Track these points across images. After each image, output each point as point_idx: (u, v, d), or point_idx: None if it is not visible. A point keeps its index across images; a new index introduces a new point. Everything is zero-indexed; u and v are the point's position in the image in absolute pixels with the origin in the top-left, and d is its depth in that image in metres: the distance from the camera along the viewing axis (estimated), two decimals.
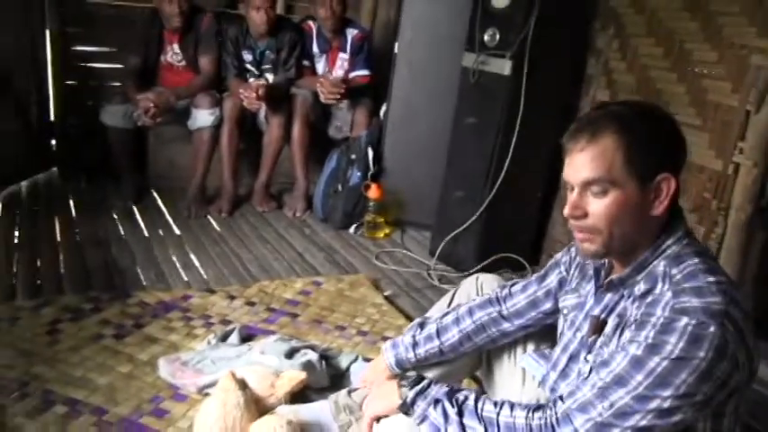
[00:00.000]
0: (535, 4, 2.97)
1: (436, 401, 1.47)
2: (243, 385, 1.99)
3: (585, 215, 1.37)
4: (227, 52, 4.07)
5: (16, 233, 3.53)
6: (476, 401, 1.44)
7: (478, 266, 3.26)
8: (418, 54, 3.72)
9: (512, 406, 1.40)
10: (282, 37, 4.04)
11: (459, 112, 3.36)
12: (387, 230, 3.84)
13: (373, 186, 3.77)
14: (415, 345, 1.84)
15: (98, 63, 4.55)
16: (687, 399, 1.23)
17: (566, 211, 1.40)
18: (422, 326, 1.87)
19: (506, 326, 1.79)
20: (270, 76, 4.14)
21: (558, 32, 3.14)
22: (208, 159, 4.00)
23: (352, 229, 3.84)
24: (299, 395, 2.15)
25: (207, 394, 2.14)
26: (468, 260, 3.35)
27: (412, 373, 1.64)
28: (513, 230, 3.42)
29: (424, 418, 1.48)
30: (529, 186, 3.40)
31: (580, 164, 1.36)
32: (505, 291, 1.83)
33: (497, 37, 3.10)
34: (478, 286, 1.99)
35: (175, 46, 4.04)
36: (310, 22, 4.19)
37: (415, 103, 3.78)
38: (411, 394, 1.51)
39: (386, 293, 3.10)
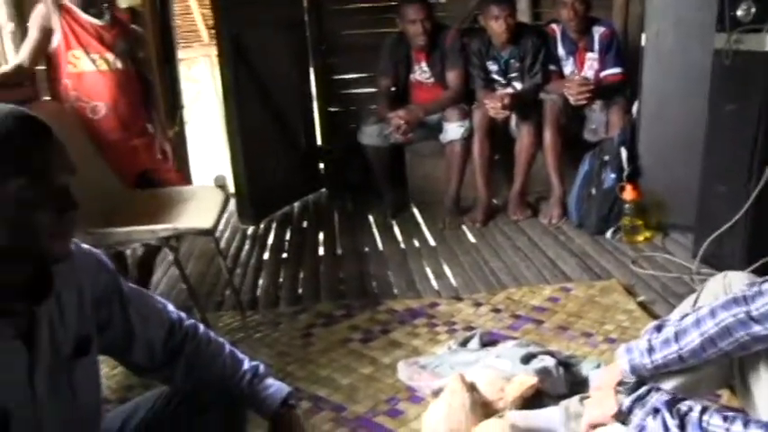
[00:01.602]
0: None
1: (655, 411, 1.36)
2: (471, 388, 2.00)
3: None
4: (472, 65, 4.13)
5: (285, 248, 3.90)
6: (701, 413, 1.30)
7: (748, 269, 2.94)
8: (667, 44, 3.47)
9: (746, 422, 1.25)
10: (525, 43, 4.02)
11: (714, 100, 3.07)
12: (647, 234, 3.61)
13: (628, 187, 3.57)
14: (650, 349, 1.69)
15: (355, 89, 4.89)
16: None
17: None
18: (659, 329, 1.71)
19: (757, 329, 1.59)
20: (517, 84, 4.13)
21: None
22: (461, 171, 4.08)
23: (608, 234, 3.67)
24: (534, 401, 2.10)
25: None
26: (734, 262, 3.01)
27: (631, 379, 1.54)
28: None
29: (641, 429, 1.38)
30: None
31: None
32: (755, 288, 1.62)
33: (752, 10, 2.78)
34: (726, 285, 1.78)
35: (423, 64, 4.21)
36: (554, 26, 4.10)
37: (668, 96, 3.52)
38: (627, 402, 1.42)
39: (640, 299, 2.92)
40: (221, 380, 1.55)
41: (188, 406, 1.50)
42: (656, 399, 1.38)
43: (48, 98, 2.88)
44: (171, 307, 1.57)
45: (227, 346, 1.60)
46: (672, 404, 1.34)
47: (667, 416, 1.33)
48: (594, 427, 1.56)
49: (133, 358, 1.49)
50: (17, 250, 1.16)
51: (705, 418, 1.28)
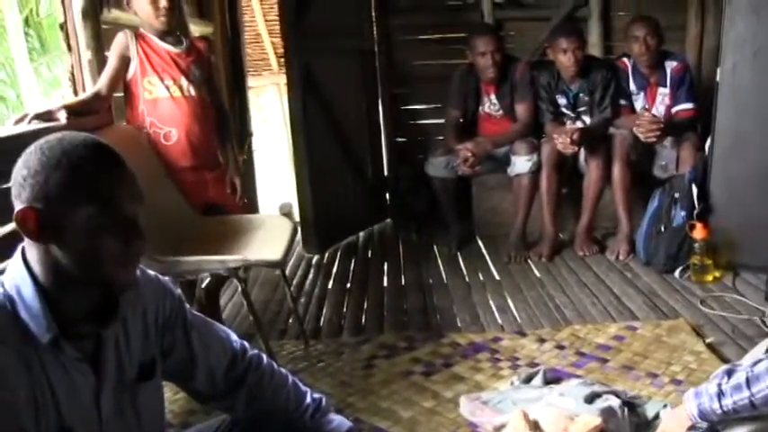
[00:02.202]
0: None
1: None
2: (534, 426, 1.99)
3: None
4: (541, 98, 4.13)
5: (350, 278, 3.94)
6: None
7: None
8: (743, 78, 3.39)
9: None
10: (594, 77, 4.00)
11: None
12: (716, 273, 3.51)
13: (699, 226, 3.49)
14: (720, 394, 1.66)
15: (424, 120, 4.93)
16: None
17: None
18: (729, 373, 1.68)
19: None
20: (586, 119, 4.10)
21: None
22: (528, 205, 4.06)
23: (677, 273, 3.59)
24: None
25: None
26: None
27: (704, 425, 1.51)
28: None
29: None
30: None
31: None
32: None
33: None
34: None
35: (492, 96, 4.23)
36: (625, 60, 4.07)
37: (743, 133, 3.45)
38: None
39: (708, 340, 2.84)
40: (284, 412, 1.56)
41: None
42: None
43: (123, 123, 2.96)
44: (234, 336, 1.59)
45: (291, 378, 1.62)
46: None
47: None
48: None
49: (195, 385, 1.51)
50: (84, 277, 1.20)
51: None
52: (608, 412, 2.16)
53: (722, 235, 3.54)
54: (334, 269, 4.15)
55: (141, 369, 1.36)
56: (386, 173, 5.03)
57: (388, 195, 5.01)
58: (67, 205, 1.15)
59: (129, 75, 2.80)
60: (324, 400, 1.62)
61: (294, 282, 3.93)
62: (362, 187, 4.75)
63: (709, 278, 3.49)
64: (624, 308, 3.26)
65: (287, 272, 3.90)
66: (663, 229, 3.68)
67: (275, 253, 2.58)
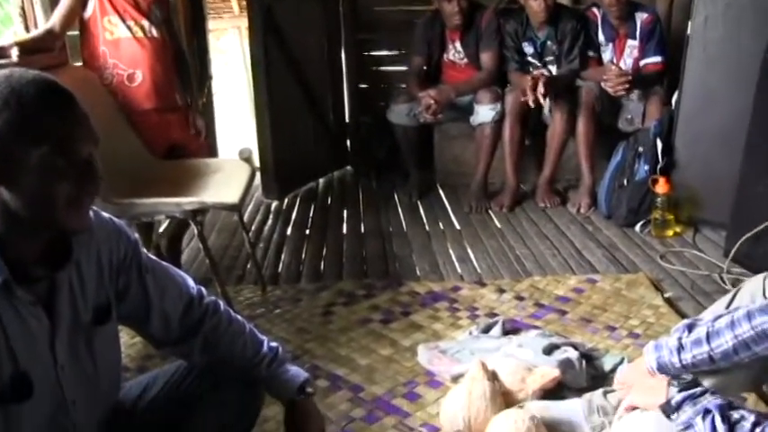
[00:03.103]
0: None
1: (706, 412, 1.32)
2: (492, 376, 1.97)
3: None
4: (507, 47, 4.05)
5: (309, 224, 3.88)
6: (753, 426, 1.25)
7: None
8: (715, 32, 3.34)
9: None
10: (564, 26, 3.93)
11: (762, 94, 2.96)
12: (677, 228, 3.52)
13: (662, 180, 3.48)
14: (680, 348, 1.63)
15: (387, 66, 4.83)
16: None
17: None
18: (690, 328, 1.65)
19: None
20: (553, 69, 4.04)
21: None
22: (490, 154, 4.02)
23: (638, 227, 3.59)
24: (553, 393, 2.06)
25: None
26: None
27: (688, 376, 1.50)
28: None
29: (688, 426, 1.34)
30: None
31: None
32: None
33: None
34: (766, 287, 1.73)
35: (457, 44, 4.14)
36: (595, 10, 4.00)
37: (712, 89, 3.41)
38: (679, 397, 1.37)
39: (667, 295, 2.85)
40: (240, 360, 1.54)
41: (206, 381, 1.50)
42: (709, 400, 1.33)
43: (78, 64, 2.84)
44: (191, 282, 1.55)
45: (248, 326, 1.60)
46: (724, 409, 1.30)
47: (718, 419, 1.29)
48: (633, 409, 1.53)
49: (150, 330, 1.48)
50: (36, 220, 1.15)
51: (757, 431, 1.23)
52: (566, 364, 2.16)
53: (684, 190, 3.54)
54: (294, 215, 4.08)
55: (96, 313, 1.33)
56: (347, 119, 4.93)
57: (349, 142, 4.93)
58: (17, 146, 1.09)
59: (87, 13, 2.70)
60: (280, 349, 1.61)
61: (253, 227, 3.86)
62: (323, 133, 4.65)
63: (670, 233, 3.50)
64: (584, 261, 3.25)
65: (245, 218, 3.84)
66: (625, 182, 3.66)
67: (232, 196, 2.50)
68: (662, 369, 1.66)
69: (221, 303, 1.58)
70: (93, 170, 1.17)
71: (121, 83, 2.75)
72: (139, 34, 2.74)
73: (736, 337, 1.53)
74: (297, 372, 1.59)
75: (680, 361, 1.62)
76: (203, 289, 1.58)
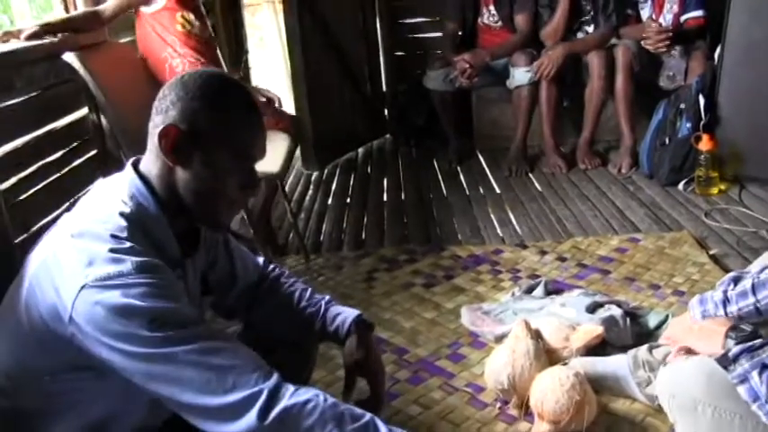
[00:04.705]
0: None
1: (764, 367, 1.30)
2: (536, 335, 1.97)
3: None
4: (542, 5, 3.99)
5: (350, 193, 3.90)
6: None
7: None
8: None
9: None
10: None
11: None
12: (721, 186, 3.46)
13: (705, 138, 3.42)
14: (726, 301, 1.61)
15: (422, 33, 4.81)
16: None
17: None
18: (736, 281, 1.62)
19: None
20: (589, 28, 3.98)
21: None
22: (527, 117, 4.00)
23: (681, 186, 3.54)
24: (598, 351, 2.05)
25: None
26: None
27: (747, 327, 1.48)
28: None
29: (743, 380, 1.32)
30: None
31: None
32: None
33: None
34: None
35: (491, 7, 4.11)
36: None
37: (756, 41, 3.32)
38: (736, 349, 1.36)
39: (712, 252, 2.81)
40: (297, 304, 1.56)
41: (259, 348, 1.53)
42: None
43: (122, 41, 2.87)
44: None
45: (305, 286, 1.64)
46: None
47: None
48: (687, 352, 1.52)
49: (228, 300, 1.55)
50: (195, 207, 1.24)
51: None
52: (610, 321, 2.15)
53: (729, 147, 3.47)
54: (334, 185, 4.11)
55: (204, 284, 1.43)
56: (384, 88, 4.93)
57: (386, 111, 4.94)
58: (210, 139, 1.21)
59: (153, 8, 2.73)
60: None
61: (294, 198, 3.90)
62: (361, 103, 4.67)
63: (714, 191, 3.44)
64: (626, 220, 3.22)
65: (287, 189, 3.87)
66: (667, 141, 3.61)
67: (274, 165, 2.53)
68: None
69: (284, 268, 1.65)
70: (256, 179, 1.29)
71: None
72: (206, 34, 2.87)
73: None
74: (352, 310, 1.59)
75: (726, 314, 1.60)
76: (263, 259, 1.64)
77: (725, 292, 1.62)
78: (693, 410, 1.50)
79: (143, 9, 2.75)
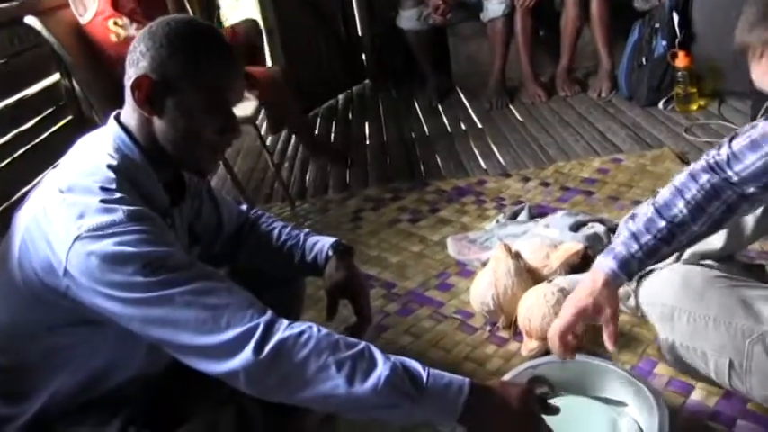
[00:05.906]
0: None
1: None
2: (516, 255, 1.99)
3: None
4: None
5: (332, 140, 3.90)
6: None
7: None
8: None
9: None
10: None
11: None
12: (701, 102, 3.46)
13: (681, 54, 3.40)
14: (634, 236, 1.40)
15: None
16: None
17: None
18: (633, 217, 1.45)
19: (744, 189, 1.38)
20: None
21: None
22: (504, 50, 3.97)
23: (660, 105, 3.53)
24: (582, 268, 2.07)
25: None
26: None
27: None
28: None
29: None
30: None
31: None
32: (724, 150, 1.40)
33: None
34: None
35: None
36: None
37: None
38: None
39: None
40: (277, 240, 1.57)
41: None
42: None
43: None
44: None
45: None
46: None
47: None
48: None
49: (214, 249, 1.55)
50: (176, 154, 1.24)
51: None
52: (593, 239, 2.18)
53: (705, 62, 3.45)
54: (316, 133, 4.08)
55: (191, 235, 1.43)
56: (360, 33, 4.88)
57: (364, 56, 4.90)
58: (182, 85, 1.19)
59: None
60: None
61: (277, 148, 3.90)
62: (337, 50, 4.63)
63: (694, 107, 3.44)
64: (608, 142, 3.23)
65: (268, 141, 3.85)
66: (644, 61, 3.59)
67: (245, 110, 2.53)
68: (624, 267, 1.39)
69: (261, 211, 1.66)
70: (236, 122, 1.28)
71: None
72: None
73: (689, 202, 1.39)
74: (330, 238, 1.59)
75: (640, 246, 1.39)
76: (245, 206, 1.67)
77: (628, 229, 1.44)
78: (670, 318, 1.53)
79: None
